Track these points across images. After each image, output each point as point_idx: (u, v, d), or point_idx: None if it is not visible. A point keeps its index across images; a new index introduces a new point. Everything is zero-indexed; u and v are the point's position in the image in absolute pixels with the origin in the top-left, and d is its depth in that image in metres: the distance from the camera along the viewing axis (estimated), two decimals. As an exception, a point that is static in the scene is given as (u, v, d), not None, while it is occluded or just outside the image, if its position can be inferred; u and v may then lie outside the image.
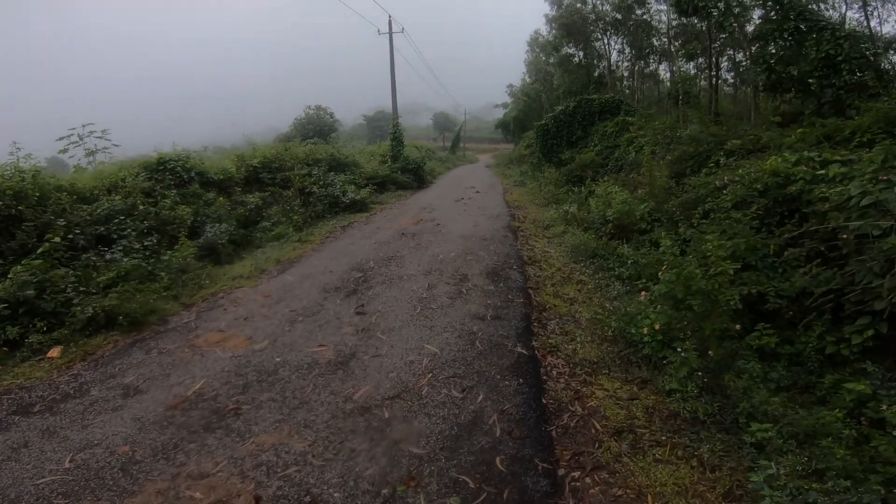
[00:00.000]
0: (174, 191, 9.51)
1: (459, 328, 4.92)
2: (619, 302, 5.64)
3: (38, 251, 6.07)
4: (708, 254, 4.12)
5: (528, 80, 40.28)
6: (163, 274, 6.73)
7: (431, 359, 4.33)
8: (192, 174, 10.36)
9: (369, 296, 5.91)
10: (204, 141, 14.85)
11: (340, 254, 8.08)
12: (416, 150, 29.70)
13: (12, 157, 7.92)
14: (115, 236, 7.41)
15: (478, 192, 17.00)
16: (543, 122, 19.42)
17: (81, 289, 5.73)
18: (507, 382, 3.92)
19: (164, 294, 6.29)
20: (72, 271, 6.06)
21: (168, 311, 5.85)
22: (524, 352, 4.48)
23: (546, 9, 25.59)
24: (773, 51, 9.94)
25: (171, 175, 9.87)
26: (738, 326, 4.00)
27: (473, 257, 7.44)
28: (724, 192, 6.55)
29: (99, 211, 7.86)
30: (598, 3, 23.37)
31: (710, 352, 3.65)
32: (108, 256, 6.77)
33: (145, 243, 7.46)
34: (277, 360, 4.44)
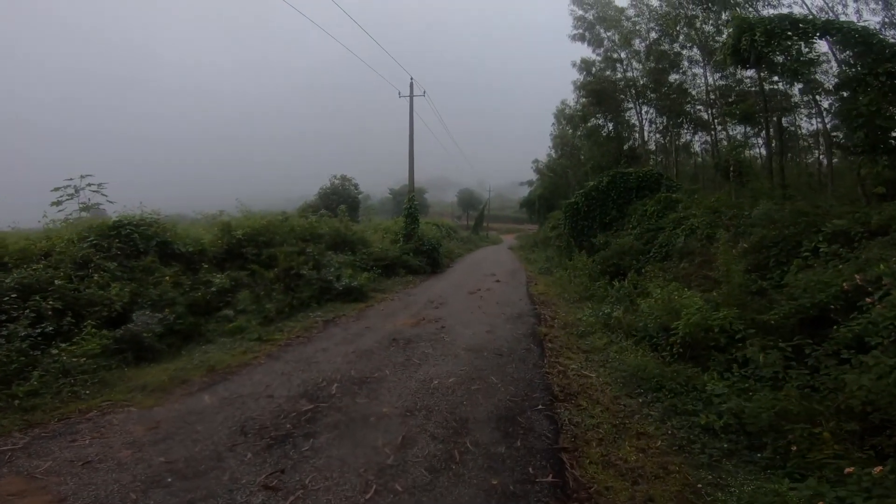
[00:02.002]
0: (116, 263, 7.89)
1: (435, 547, 2.69)
2: (722, 477, 3.39)
3: None
4: None
5: (554, 154, 40.15)
6: (34, 374, 5.11)
7: None
8: (153, 243, 8.78)
9: (302, 452, 3.78)
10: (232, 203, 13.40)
11: (300, 366, 6.08)
12: (434, 229, 28.53)
13: None
14: (4, 318, 5.78)
15: (498, 280, 15.02)
16: (573, 200, 17.90)
17: None
18: None
19: (17, 403, 4.67)
20: None
21: (-3, 430, 4.09)
22: None
23: (574, 75, 25.43)
24: (866, 103, 8.09)
25: (121, 243, 8.31)
26: None
27: (481, 386, 5.28)
28: (873, 302, 4.36)
29: (6, 283, 6.29)
30: (629, 68, 22.86)
31: None
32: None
33: (38, 329, 5.73)
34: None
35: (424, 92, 21.52)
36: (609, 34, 22.87)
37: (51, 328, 5.87)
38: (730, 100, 16.70)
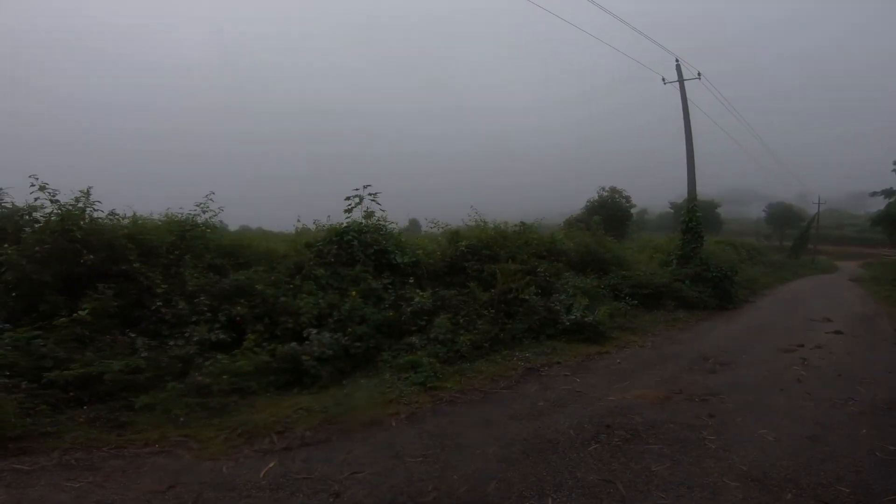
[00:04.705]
0: (328, 271, 7.69)
1: None
2: None
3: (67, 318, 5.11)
4: None
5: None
6: (169, 386, 4.75)
7: None
8: (370, 252, 8.39)
9: None
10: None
11: (430, 447, 3.95)
12: (729, 250, 22.14)
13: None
14: (195, 318, 5.90)
15: (838, 332, 9.30)
16: None
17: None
18: None
19: (115, 416, 4.36)
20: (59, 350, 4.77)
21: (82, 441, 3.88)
22: None
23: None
24: None
25: (339, 249, 8.15)
26: None
27: None
28: None
29: (222, 284, 6.64)
30: None
31: None
32: (139, 342, 5.29)
33: (216, 337, 5.66)
34: None
35: (700, 74, 16.61)
36: None
37: (223, 336, 5.65)
38: None
